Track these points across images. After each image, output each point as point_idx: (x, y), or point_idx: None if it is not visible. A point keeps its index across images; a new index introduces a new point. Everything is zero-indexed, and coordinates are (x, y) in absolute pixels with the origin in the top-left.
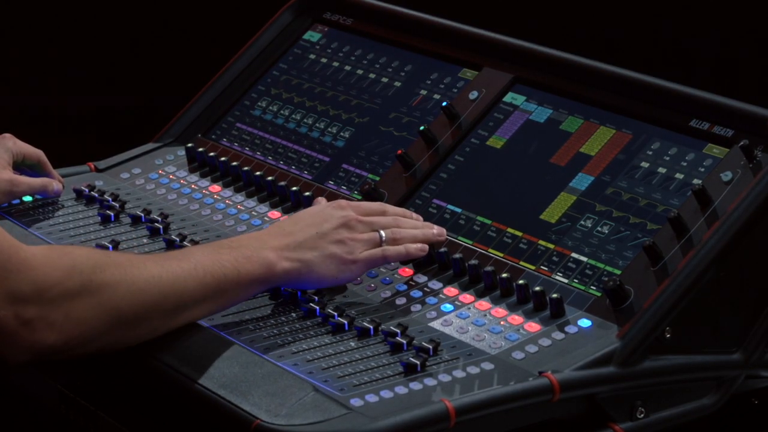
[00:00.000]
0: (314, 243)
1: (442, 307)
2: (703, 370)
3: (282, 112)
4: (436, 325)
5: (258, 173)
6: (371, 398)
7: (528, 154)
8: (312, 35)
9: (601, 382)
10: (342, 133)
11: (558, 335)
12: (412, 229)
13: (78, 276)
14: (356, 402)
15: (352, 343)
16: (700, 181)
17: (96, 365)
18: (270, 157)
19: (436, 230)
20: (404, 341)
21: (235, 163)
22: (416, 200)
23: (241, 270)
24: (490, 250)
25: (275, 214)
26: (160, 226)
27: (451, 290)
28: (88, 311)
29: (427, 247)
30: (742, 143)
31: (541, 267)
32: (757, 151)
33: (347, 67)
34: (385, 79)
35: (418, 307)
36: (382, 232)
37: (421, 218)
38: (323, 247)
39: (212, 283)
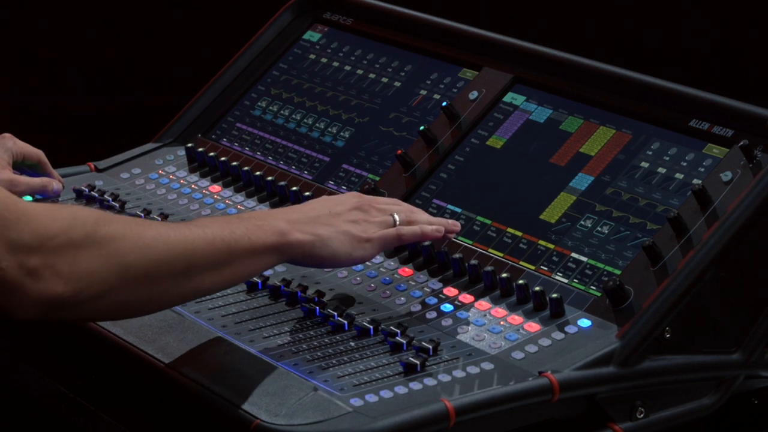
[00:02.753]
0: (328, 220)
1: (442, 307)
2: (703, 370)
3: (282, 112)
4: (436, 325)
5: (258, 173)
6: (371, 398)
7: (528, 154)
8: (312, 35)
9: (600, 382)
10: (342, 133)
11: (558, 335)
12: (426, 215)
13: (81, 227)
14: (356, 402)
15: (352, 343)
16: (700, 181)
17: (96, 365)
18: (270, 157)
19: (452, 221)
20: (404, 341)
21: (235, 163)
22: (416, 200)
23: (252, 237)
24: (490, 250)
25: None
26: None
27: (451, 290)
28: (94, 262)
29: (443, 228)
30: (741, 143)
31: (541, 267)
32: (756, 151)
33: (347, 67)
34: (385, 79)
35: (418, 307)
36: (396, 215)
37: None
38: (337, 224)
39: (223, 247)
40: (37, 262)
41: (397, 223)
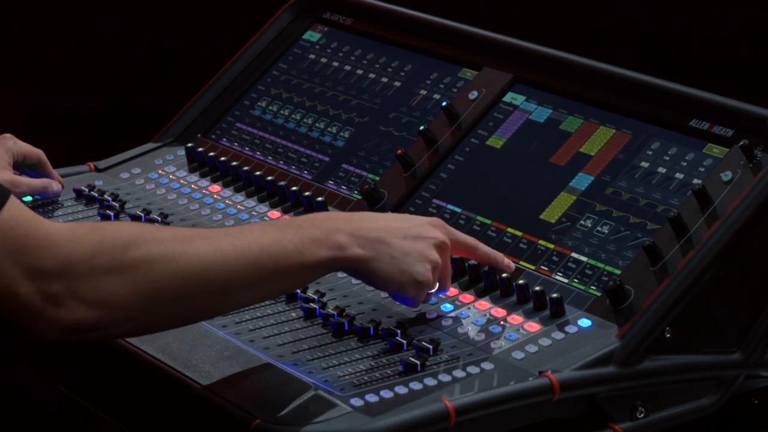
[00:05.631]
0: (395, 239)
1: (442, 307)
2: (703, 370)
3: (282, 112)
4: (436, 325)
5: (258, 173)
6: (371, 398)
7: (528, 154)
8: (312, 35)
9: (600, 382)
10: (342, 133)
11: (558, 335)
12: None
13: (108, 253)
14: (356, 402)
15: (352, 343)
16: (700, 181)
17: (96, 365)
18: (270, 157)
19: (506, 261)
20: (404, 341)
21: (235, 163)
22: (416, 200)
23: (305, 252)
24: None
25: (275, 214)
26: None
27: (451, 290)
28: (120, 288)
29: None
30: (742, 143)
31: (541, 267)
32: (757, 151)
33: (347, 67)
34: (385, 79)
35: (418, 307)
36: None
37: (512, 265)
38: (403, 248)
39: (269, 264)
40: (58, 288)
41: None
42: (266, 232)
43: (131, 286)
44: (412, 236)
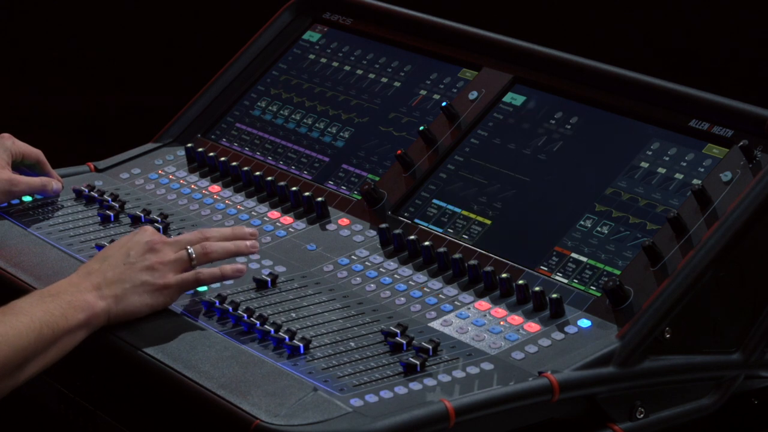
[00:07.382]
0: (123, 274)
1: (442, 307)
2: (703, 370)
3: (282, 112)
4: (435, 325)
5: (258, 173)
6: (371, 398)
7: (528, 154)
8: (312, 35)
9: (600, 383)
10: (342, 133)
11: (558, 335)
12: (222, 242)
13: None
14: (356, 402)
15: (352, 343)
16: (699, 181)
17: (96, 365)
18: (270, 157)
19: (249, 243)
20: (404, 341)
21: (234, 163)
22: (416, 200)
23: (69, 317)
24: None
25: (275, 214)
26: (160, 227)
27: (451, 290)
28: None
29: (244, 268)
30: (741, 143)
31: (541, 267)
32: (756, 151)
33: (347, 67)
34: (385, 79)
35: (418, 307)
36: (191, 249)
37: (256, 233)
38: (132, 276)
39: (49, 334)
40: None
41: (193, 256)
42: (33, 304)
43: None
44: (130, 261)
